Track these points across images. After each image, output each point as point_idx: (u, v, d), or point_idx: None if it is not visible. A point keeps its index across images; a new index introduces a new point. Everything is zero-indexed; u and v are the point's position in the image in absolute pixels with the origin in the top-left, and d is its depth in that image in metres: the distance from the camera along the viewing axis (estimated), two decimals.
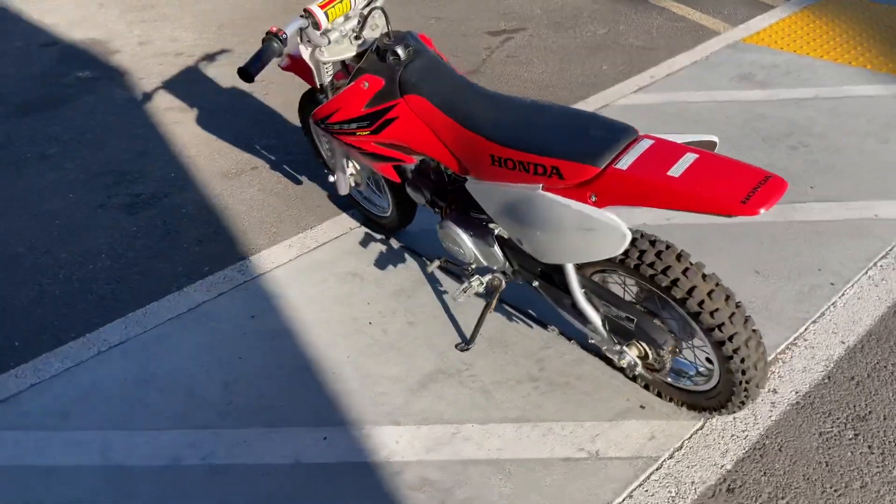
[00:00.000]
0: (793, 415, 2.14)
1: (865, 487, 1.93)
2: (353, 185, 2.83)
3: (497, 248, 2.17)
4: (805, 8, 4.97)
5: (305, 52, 2.26)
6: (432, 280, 2.73)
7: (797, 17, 4.84)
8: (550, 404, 2.21)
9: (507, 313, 2.55)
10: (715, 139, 1.73)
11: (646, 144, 1.65)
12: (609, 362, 2.33)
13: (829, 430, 2.08)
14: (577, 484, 1.97)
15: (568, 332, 2.45)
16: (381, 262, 2.84)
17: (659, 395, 2.18)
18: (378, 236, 3.01)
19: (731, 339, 1.76)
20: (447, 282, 2.72)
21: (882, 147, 3.39)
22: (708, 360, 1.97)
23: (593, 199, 1.69)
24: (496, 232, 2.19)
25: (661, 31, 4.83)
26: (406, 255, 2.87)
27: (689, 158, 1.57)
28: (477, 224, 2.21)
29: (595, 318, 2.00)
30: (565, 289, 2.06)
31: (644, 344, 1.96)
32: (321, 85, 2.36)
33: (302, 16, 2.11)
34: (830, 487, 1.94)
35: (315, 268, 2.85)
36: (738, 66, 4.21)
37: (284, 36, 2.07)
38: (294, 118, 4.01)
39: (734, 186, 1.49)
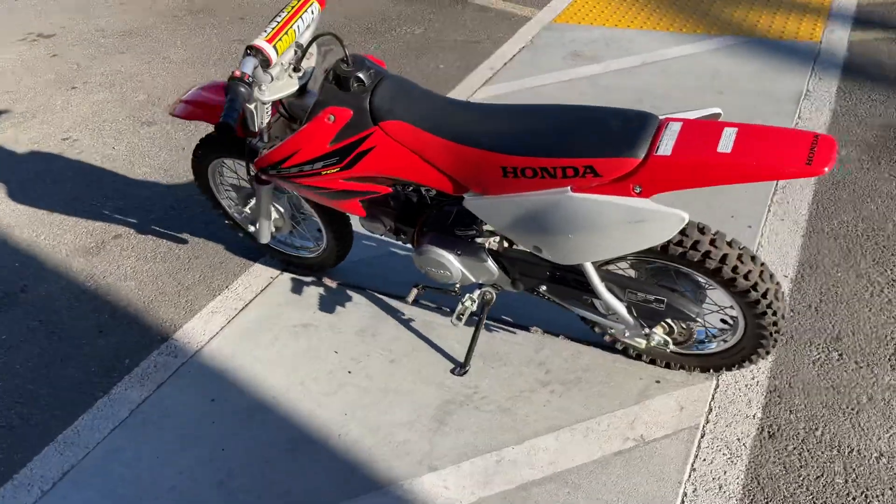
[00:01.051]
0: (782, 353, 2.32)
1: (872, 399, 2.15)
2: (273, 231, 2.59)
3: (491, 262, 2.10)
4: None
5: None
6: (392, 312, 2.59)
7: None
8: (574, 404, 2.20)
9: (485, 326, 2.48)
10: (719, 111, 1.80)
11: (676, 127, 1.68)
12: (605, 347, 2.36)
13: (819, 357, 2.29)
14: (640, 473, 1.99)
15: (550, 328, 2.45)
16: (327, 306, 2.64)
17: (668, 365, 2.25)
18: (308, 279, 2.79)
19: (763, 295, 1.86)
20: (409, 310, 2.59)
21: (721, 97, 3.76)
22: (723, 321, 2.06)
23: (637, 190, 1.68)
24: (487, 245, 2.12)
25: (474, 23, 4.94)
26: (348, 293, 2.70)
27: (731, 132, 1.62)
28: (463, 242, 2.13)
29: (620, 307, 2.02)
30: (581, 287, 2.05)
31: (671, 321, 2.01)
32: (258, 129, 2.12)
33: (249, 54, 1.87)
34: (847, 407, 2.13)
35: (256, 329, 2.58)
36: (564, 46, 4.43)
37: (250, 79, 1.82)
38: (126, 170, 3.58)
39: (791, 151, 1.56)
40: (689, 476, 1.97)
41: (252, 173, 2.38)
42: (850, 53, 4.07)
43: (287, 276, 2.82)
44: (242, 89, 1.77)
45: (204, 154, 2.56)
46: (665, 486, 1.95)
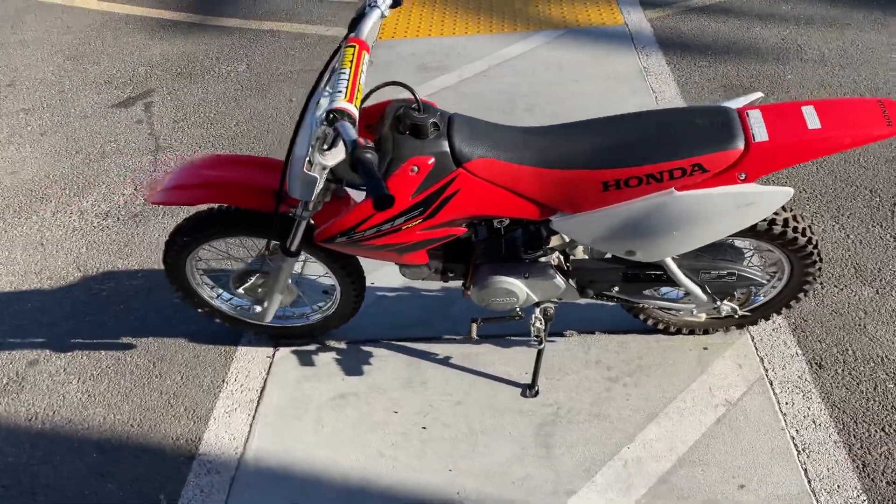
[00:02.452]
0: None
1: (868, 312, 2.55)
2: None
3: (559, 277, 2.15)
4: None
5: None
6: (423, 355, 2.52)
7: (401, 8, 5.25)
8: (651, 390, 2.34)
9: (508, 345, 2.51)
10: (761, 94, 2.03)
11: (757, 114, 1.87)
12: (642, 332, 2.50)
13: (823, 291, 2.64)
14: (746, 432, 2.18)
15: (578, 326, 2.53)
16: (351, 369, 2.49)
17: (705, 332, 2.48)
18: (311, 346, 2.60)
19: (815, 246, 2.14)
20: (439, 348, 2.53)
21: (581, 84, 4.09)
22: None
23: (742, 177, 1.85)
24: (553, 262, 2.17)
25: (300, 51, 4.80)
26: (363, 349, 2.56)
27: (809, 109, 1.84)
28: (528, 264, 2.15)
29: (696, 288, 2.18)
30: (655, 280, 2.18)
31: (739, 290, 2.22)
32: (313, 198, 1.94)
33: (336, 118, 1.71)
34: (854, 324, 2.51)
35: (291, 416, 2.37)
36: (406, 61, 4.49)
37: (372, 144, 1.67)
38: (15, 280, 3.02)
39: (869, 116, 1.81)
40: (784, 421, 2.20)
41: (270, 248, 2.16)
42: (655, 30, 4.64)
43: (284, 350, 2.60)
44: (370, 155, 1.61)
45: (188, 241, 2.26)
46: (773, 436, 2.16)
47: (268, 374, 2.51)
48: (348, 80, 1.75)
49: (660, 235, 1.94)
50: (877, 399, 2.26)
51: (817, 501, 1.99)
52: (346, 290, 2.37)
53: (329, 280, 2.42)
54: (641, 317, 2.42)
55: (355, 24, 1.91)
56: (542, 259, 2.16)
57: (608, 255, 2.22)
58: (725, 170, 1.83)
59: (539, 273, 2.14)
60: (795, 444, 2.13)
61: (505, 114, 3.82)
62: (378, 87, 1.89)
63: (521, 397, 2.35)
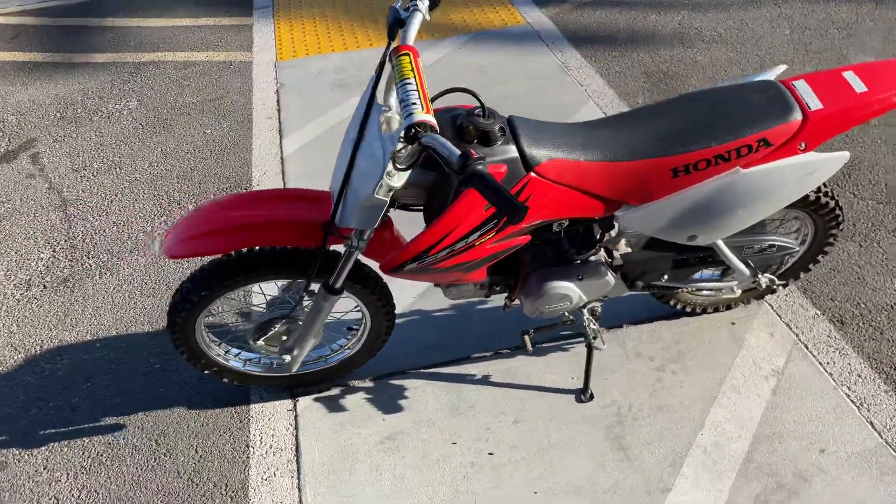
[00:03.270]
0: None
1: (861, 266, 2.70)
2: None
3: (610, 274, 2.11)
4: (281, 18, 5.19)
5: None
6: (460, 378, 2.39)
7: (285, 26, 5.04)
8: (701, 373, 2.34)
9: (542, 353, 2.44)
10: (785, 66, 2.08)
11: (803, 83, 1.90)
12: (665, 317, 2.50)
13: None
14: (805, 398, 2.23)
15: (602, 323, 2.51)
16: (387, 407, 2.31)
17: (728, 307, 2.52)
18: (334, 390, 2.40)
19: (840, 207, 2.22)
20: (474, 368, 2.41)
21: (510, 85, 4.08)
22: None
23: (802, 146, 1.88)
24: (603, 259, 2.12)
25: (194, 81, 4.46)
26: (393, 383, 2.39)
27: (851, 74, 1.90)
28: (581, 265, 2.09)
29: (742, 265, 2.20)
30: (702, 262, 2.18)
31: (777, 260, 2.27)
32: (375, 225, 1.77)
33: (415, 133, 1.54)
34: (851, 278, 2.65)
35: (340, 469, 2.17)
36: (318, 79, 4.29)
37: (482, 154, 1.51)
38: None
39: None
40: (833, 381, 2.27)
41: (307, 288, 1.95)
42: (559, 26, 4.73)
43: (305, 399, 2.37)
44: (481, 167, 1.46)
45: (206, 295, 1.99)
46: (829, 397, 2.22)
47: (296, 428, 2.26)
48: (418, 91, 1.60)
49: (724, 216, 1.92)
50: None
51: (894, 451, 2.05)
52: (378, 322, 2.18)
53: (355, 314, 2.22)
54: (672, 302, 2.40)
55: (394, 31, 1.74)
56: (593, 258, 2.08)
57: (642, 245, 2.17)
58: (787, 142, 1.84)
59: (592, 272, 2.07)
60: (852, 401, 2.19)
61: None
62: (441, 94, 1.74)
63: (578, 403, 2.26)
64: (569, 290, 2.05)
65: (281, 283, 2.19)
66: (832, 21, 4.37)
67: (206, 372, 2.24)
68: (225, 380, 2.29)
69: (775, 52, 4.10)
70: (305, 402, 2.35)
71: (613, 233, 2.05)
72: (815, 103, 1.83)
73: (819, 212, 2.17)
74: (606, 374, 2.33)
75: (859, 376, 2.27)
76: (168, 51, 4.78)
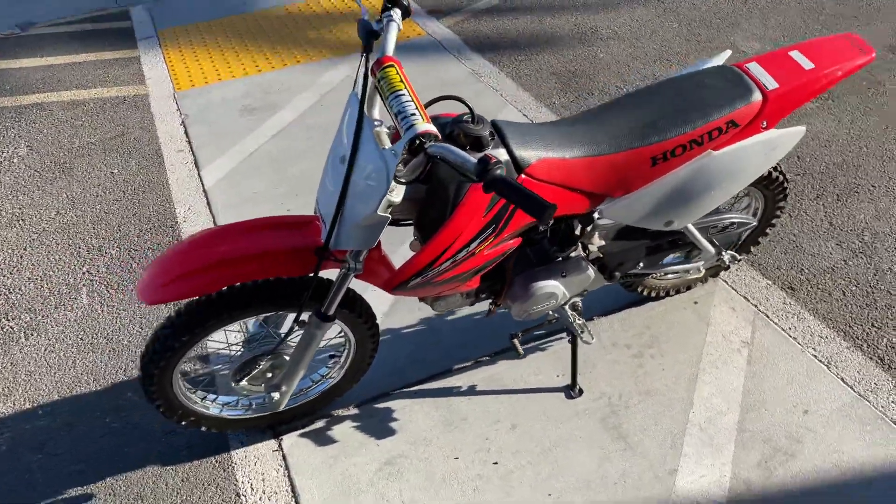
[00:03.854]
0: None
1: (806, 226, 2.88)
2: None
3: (591, 268, 2.16)
4: (169, 48, 4.99)
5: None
6: (446, 393, 2.35)
7: (176, 57, 4.85)
8: (677, 352, 2.41)
9: (521, 356, 2.45)
10: (729, 51, 2.19)
11: (756, 66, 2.01)
12: (630, 305, 2.56)
13: None
14: (779, 362, 2.33)
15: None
16: (378, 432, 2.24)
17: (688, 287, 2.63)
18: (319, 423, 2.32)
19: (787, 180, 2.36)
20: (460, 380, 2.38)
21: (427, 95, 4.09)
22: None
23: (764, 125, 1.98)
24: (582, 254, 2.16)
25: (87, 120, 4.19)
26: (378, 406, 2.32)
27: (797, 53, 2.02)
28: (563, 262, 2.12)
29: (708, 245, 2.29)
30: (673, 246, 2.26)
31: (737, 237, 2.38)
32: (375, 243, 1.72)
33: (420, 144, 1.51)
34: (806, 247, 2.82)
35: (344, 503, 2.08)
36: (225, 107, 4.14)
37: (498, 158, 1.48)
38: None
39: (848, 51, 2.03)
40: (799, 344, 2.40)
41: (298, 317, 1.87)
42: (461, 36, 4.79)
43: (290, 437, 2.26)
44: (500, 171, 1.43)
45: (187, 340, 1.87)
46: (799, 360, 2.34)
47: (287, 468, 2.15)
48: (413, 101, 1.56)
49: (699, 198, 1.99)
50: (852, 303, 2.54)
51: (868, 402, 2.18)
52: (363, 346, 2.11)
53: (338, 340, 2.15)
54: (639, 289, 2.47)
55: (370, 43, 1.70)
56: (573, 255, 2.11)
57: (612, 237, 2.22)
58: (751, 122, 1.93)
59: (574, 268, 2.09)
60: (821, 361, 2.32)
61: None
62: (434, 101, 1.71)
63: (569, 399, 2.28)
64: (554, 289, 2.05)
65: (253, 321, 2.07)
66: (714, 12, 4.65)
67: (184, 423, 2.09)
68: (203, 428, 2.14)
69: (670, 44, 4.32)
70: (291, 439, 2.23)
71: (591, 227, 2.08)
72: (771, 83, 1.93)
73: (770, 186, 2.29)
74: (589, 368, 2.36)
75: (821, 337, 2.40)
76: (51, 91, 4.48)
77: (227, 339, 2.05)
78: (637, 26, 4.56)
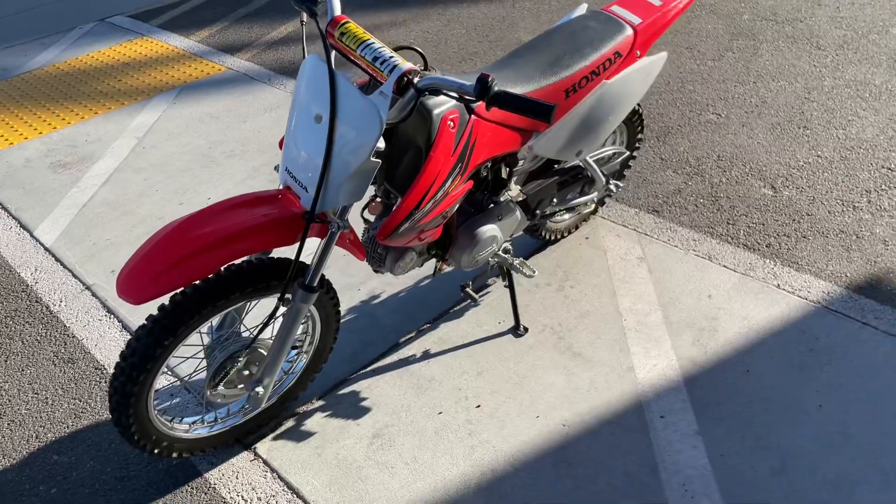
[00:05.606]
0: None
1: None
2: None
3: (518, 210, 2.37)
4: None
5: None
6: (409, 362, 2.40)
7: None
8: (591, 280, 2.66)
9: (461, 314, 2.58)
10: (585, 3, 2.55)
11: (618, 8, 2.33)
12: (534, 252, 2.81)
13: None
14: (673, 266, 2.65)
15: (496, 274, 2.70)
16: (351, 413, 2.24)
17: (576, 228, 2.95)
18: (288, 423, 2.29)
19: (641, 112, 2.77)
20: (420, 345, 2.44)
21: (256, 120, 4.10)
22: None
23: (639, 54, 2.34)
24: (509, 197, 2.37)
25: None
26: (343, 392, 2.31)
27: None
28: (496, 207, 2.30)
29: (601, 175, 2.61)
30: (578, 179, 2.54)
31: (616, 166, 2.73)
32: (360, 198, 1.79)
33: (409, 79, 1.63)
34: (660, 176, 3.27)
35: (351, 484, 2.05)
36: (32, 165, 3.81)
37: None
38: None
39: None
40: (682, 249, 2.80)
41: (284, 294, 1.85)
42: (263, 65, 4.83)
43: (264, 444, 2.20)
44: (499, 88, 1.56)
45: (171, 343, 1.78)
46: (688, 261, 2.72)
47: (274, 470, 2.08)
48: (384, 47, 1.66)
49: (600, 125, 2.28)
50: (705, 210, 3.00)
51: (751, 277, 2.61)
52: (329, 322, 2.12)
53: (301, 327, 2.13)
54: (542, 233, 2.72)
55: (311, 10, 1.76)
56: (503, 198, 2.29)
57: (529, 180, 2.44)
58: (630, 52, 2.27)
59: (506, 211, 2.27)
60: (703, 257, 2.72)
61: (207, 165, 3.61)
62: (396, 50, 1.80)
63: (518, 338, 2.44)
64: (494, 231, 2.22)
65: (207, 329, 1.98)
66: (493, 18, 5.14)
67: (156, 451, 1.94)
68: (174, 455, 2.00)
69: (465, 46, 4.71)
70: (265, 445, 2.15)
71: (518, 169, 2.28)
72: (635, 19, 2.28)
73: (632, 119, 2.65)
74: (524, 309, 2.54)
75: (694, 240, 2.81)
76: None
77: (202, 342, 1.94)
78: (429, 36, 4.91)
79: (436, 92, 1.59)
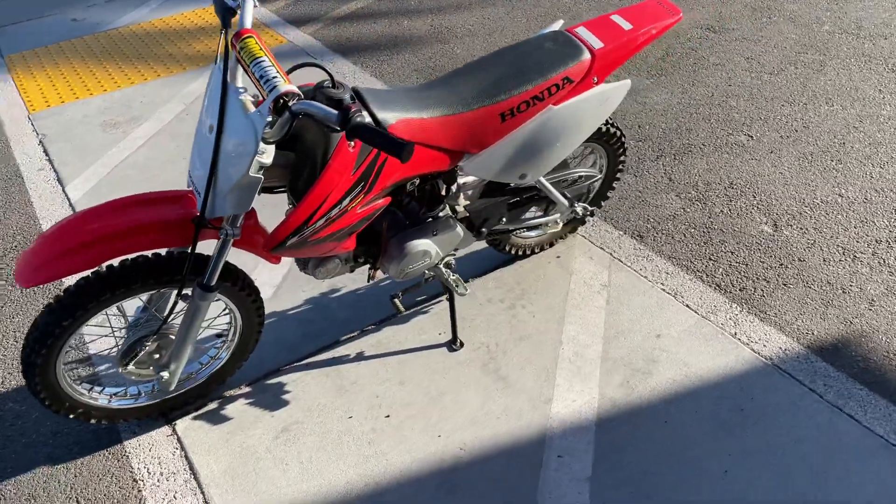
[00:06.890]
0: None
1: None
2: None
3: (459, 226, 2.34)
4: (18, 71, 4.85)
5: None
6: (335, 362, 2.45)
7: (27, 79, 4.73)
8: (545, 302, 2.62)
9: (406, 320, 2.60)
10: (562, 20, 2.45)
11: (583, 29, 2.25)
12: (498, 266, 2.77)
13: None
14: (633, 299, 2.57)
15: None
16: (273, 404, 2.32)
17: (551, 244, 2.88)
18: (212, 405, 2.38)
19: (623, 136, 2.65)
20: (349, 349, 2.49)
21: None
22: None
23: (595, 80, 2.24)
24: (449, 213, 2.34)
25: None
26: (270, 382, 2.39)
27: (618, 17, 2.28)
28: (433, 222, 2.28)
29: (562, 198, 2.53)
30: (533, 200, 2.48)
31: (586, 189, 2.64)
32: (249, 207, 1.83)
33: (284, 104, 1.64)
34: (649, 199, 3.13)
35: (246, 473, 2.14)
36: (84, 125, 4.08)
37: (360, 106, 1.60)
38: None
39: (658, 12, 2.32)
40: (649, 281, 2.69)
41: (181, 291, 1.94)
42: (322, 41, 4.93)
43: (183, 421, 2.32)
44: (360, 119, 1.58)
45: (69, 324, 1.90)
46: (650, 294, 2.61)
47: (183, 449, 2.20)
48: (274, 66, 1.69)
49: (545, 150, 2.22)
50: (692, 242, 2.86)
51: (710, 321, 2.48)
52: (250, 319, 2.20)
53: (224, 318, 2.22)
54: (507, 248, 2.68)
55: (227, 19, 1.81)
56: (441, 214, 2.28)
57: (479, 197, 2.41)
58: (583, 78, 2.18)
59: (443, 227, 2.26)
60: (668, 293, 2.61)
61: None
62: (294, 69, 1.83)
63: (451, 353, 2.44)
64: (427, 247, 2.21)
65: (136, 305, 2.11)
66: (557, 7, 5.01)
67: (72, 416, 2.10)
68: (93, 421, 2.15)
69: (519, 37, 4.62)
70: (184, 423, 2.28)
71: (455, 187, 2.26)
72: (597, 43, 2.18)
73: (609, 141, 2.55)
74: (468, 323, 2.54)
75: (667, 273, 2.69)
76: None
77: (110, 324, 2.07)
78: (488, 24, 4.85)
79: (309, 117, 1.61)
